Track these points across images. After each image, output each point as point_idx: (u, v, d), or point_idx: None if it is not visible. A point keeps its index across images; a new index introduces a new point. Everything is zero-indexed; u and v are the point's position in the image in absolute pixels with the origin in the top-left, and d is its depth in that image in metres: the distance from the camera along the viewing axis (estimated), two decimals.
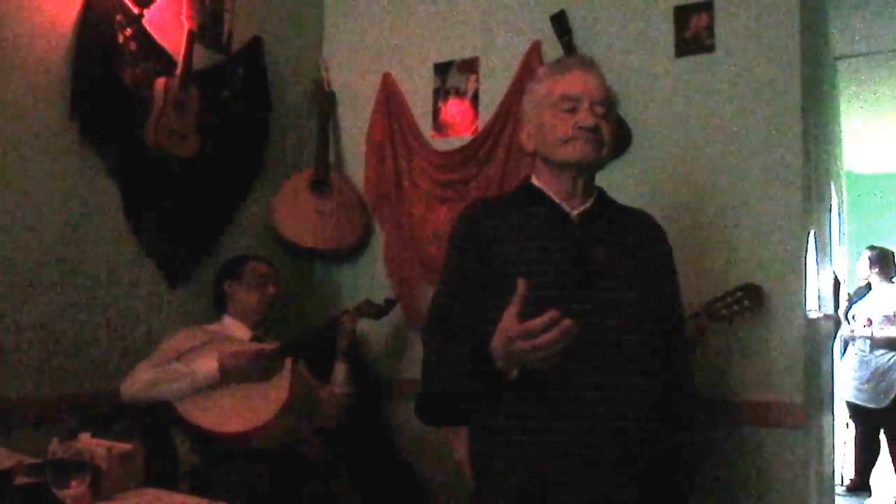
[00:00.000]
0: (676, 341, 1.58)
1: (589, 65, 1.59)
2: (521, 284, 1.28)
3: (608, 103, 1.54)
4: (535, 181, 1.60)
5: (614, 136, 1.56)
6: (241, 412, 2.21)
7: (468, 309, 1.49)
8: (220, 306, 2.52)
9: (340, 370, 2.59)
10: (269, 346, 2.38)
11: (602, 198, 1.61)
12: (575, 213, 1.54)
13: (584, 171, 1.54)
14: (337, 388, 2.57)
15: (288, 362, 2.35)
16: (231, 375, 2.24)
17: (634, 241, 1.55)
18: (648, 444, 1.45)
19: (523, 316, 1.27)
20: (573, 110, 1.51)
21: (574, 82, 1.53)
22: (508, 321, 1.27)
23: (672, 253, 1.64)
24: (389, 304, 2.74)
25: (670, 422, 1.50)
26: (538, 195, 1.57)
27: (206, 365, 2.22)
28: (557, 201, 1.55)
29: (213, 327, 2.47)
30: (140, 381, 2.19)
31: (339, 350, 2.60)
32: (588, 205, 1.55)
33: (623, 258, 1.50)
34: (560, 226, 1.52)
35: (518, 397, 1.43)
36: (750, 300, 2.26)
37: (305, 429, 2.43)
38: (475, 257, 1.52)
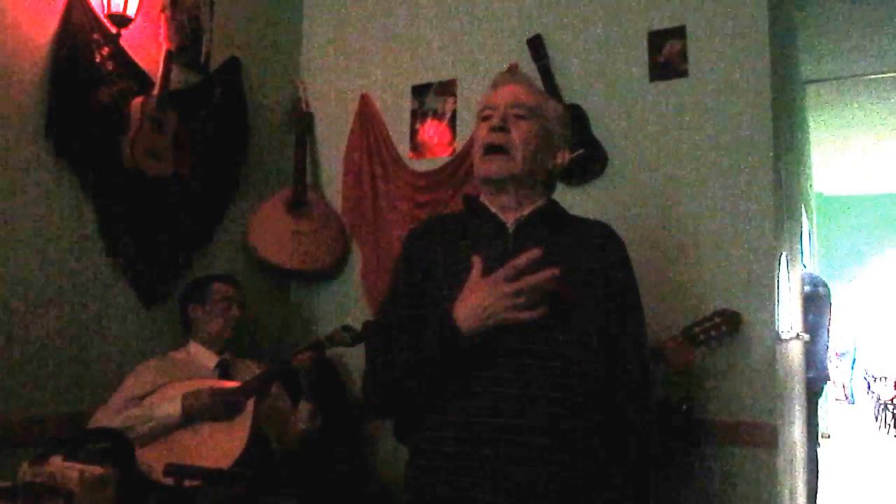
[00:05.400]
0: (628, 359, 1.50)
1: (515, 77, 1.61)
2: (476, 261, 1.40)
3: (529, 107, 1.52)
4: (481, 195, 1.60)
5: (541, 141, 1.52)
6: (195, 459, 2.15)
7: (410, 321, 1.48)
8: (186, 331, 2.51)
9: (304, 408, 2.52)
10: (231, 383, 2.35)
11: (548, 208, 1.57)
12: (510, 222, 1.53)
13: (503, 185, 1.52)
14: (300, 424, 2.51)
15: (250, 403, 2.30)
16: (194, 414, 2.21)
17: (580, 252, 1.50)
18: (583, 471, 1.40)
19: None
20: (489, 118, 1.53)
21: (496, 94, 1.55)
22: (476, 277, 1.39)
23: (630, 266, 1.56)
24: (368, 327, 2.66)
25: (614, 450, 1.45)
26: (479, 208, 1.58)
27: (169, 407, 2.20)
28: (494, 212, 1.55)
29: (180, 355, 2.45)
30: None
31: (303, 388, 2.52)
32: (524, 214, 1.53)
33: (560, 265, 1.41)
34: (495, 236, 1.52)
35: (446, 417, 1.42)
36: (728, 326, 2.29)
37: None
38: (413, 272, 1.54)
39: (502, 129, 1.49)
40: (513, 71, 1.68)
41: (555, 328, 1.41)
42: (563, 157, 1.59)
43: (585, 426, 1.41)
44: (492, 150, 1.50)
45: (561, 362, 1.40)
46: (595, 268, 1.48)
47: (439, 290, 1.47)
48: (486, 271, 1.41)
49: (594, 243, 1.53)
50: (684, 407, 2.25)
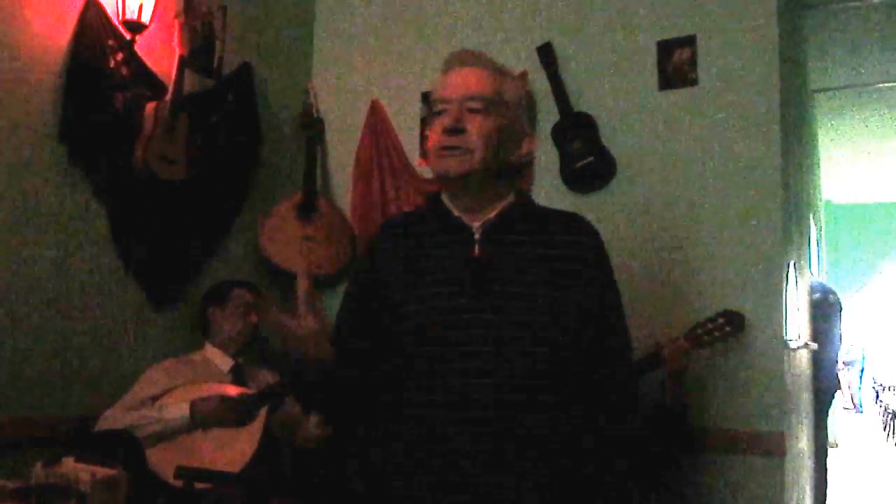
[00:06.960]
0: (610, 359, 1.42)
1: (467, 60, 1.44)
2: (300, 274, 1.40)
3: (486, 98, 1.38)
4: (442, 194, 1.48)
5: (501, 134, 1.39)
6: (206, 463, 2.15)
7: (357, 326, 1.45)
8: (203, 332, 2.52)
9: (313, 419, 2.47)
10: (243, 390, 2.34)
11: (516, 205, 1.45)
12: (476, 224, 1.42)
13: (464, 183, 1.40)
14: (313, 430, 2.47)
15: (262, 412, 2.30)
16: (203, 420, 2.21)
17: (553, 251, 1.40)
18: (541, 480, 1.33)
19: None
20: (442, 112, 1.40)
21: (446, 83, 1.43)
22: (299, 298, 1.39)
23: (607, 259, 1.46)
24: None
25: (590, 458, 1.37)
26: (441, 208, 1.46)
27: (179, 410, 2.20)
28: (457, 214, 1.44)
29: (194, 356, 2.47)
30: (112, 428, 2.17)
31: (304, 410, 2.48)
32: (492, 215, 1.42)
33: (531, 270, 1.37)
34: (459, 239, 1.41)
35: (407, 418, 1.37)
36: (731, 326, 2.29)
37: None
38: (370, 276, 1.48)
39: (456, 129, 1.36)
40: (465, 52, 1.49)
41: (526, 326, 1.34)
42: (529, 145, 1.46)
43: (553, 429, 1.34)
44: (448, 149, 1.38)
45: (531, 363, 1.33)
46: (570, 267, 1.39)
47: (394, 297, 1.40)
48: (454, 281, 1.36)
49: (567, 240, 1.42)
50: (681, 409, 2.27)
